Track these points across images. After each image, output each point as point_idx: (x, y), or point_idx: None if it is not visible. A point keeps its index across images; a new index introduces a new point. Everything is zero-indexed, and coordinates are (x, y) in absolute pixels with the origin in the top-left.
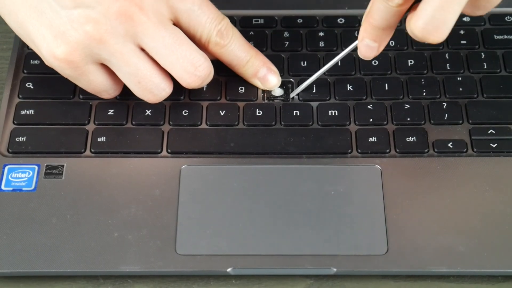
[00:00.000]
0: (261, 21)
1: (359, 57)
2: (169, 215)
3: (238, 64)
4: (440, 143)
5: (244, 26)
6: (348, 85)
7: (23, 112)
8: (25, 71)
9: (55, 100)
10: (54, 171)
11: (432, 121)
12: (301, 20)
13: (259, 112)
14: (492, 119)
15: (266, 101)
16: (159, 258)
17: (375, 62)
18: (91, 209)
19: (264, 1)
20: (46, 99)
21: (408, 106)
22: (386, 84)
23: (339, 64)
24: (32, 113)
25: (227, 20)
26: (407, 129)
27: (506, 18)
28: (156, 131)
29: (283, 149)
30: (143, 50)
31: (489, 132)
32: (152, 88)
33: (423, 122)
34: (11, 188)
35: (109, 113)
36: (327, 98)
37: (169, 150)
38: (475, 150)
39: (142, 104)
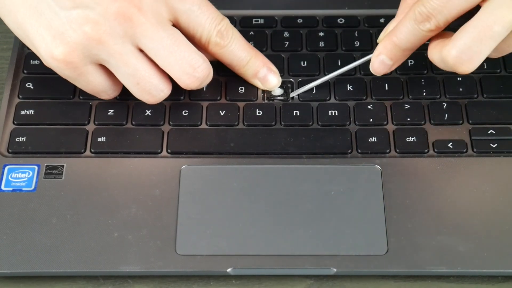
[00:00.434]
0: (261, 21)
1: (359, 57)
2: (169, 215)
3: (238, 65)
4: (440, 143)
5: (244, 26)
6: (348, 85)
7: (23, 112)
8: (25, 71)
9: (55, 100)
10: (54, 171)
11: (432, 121)
12: (301, 20)
13: (259, 112)
14: (492, 119)
15: (266, 101)
16: (159, 258)
17: None
18: (91, 209)
19: (264, 1)
20: (46, 99)
21: (408, 106)
22: (386, 84)
23: (339, 63)
24: (32, 113)
25: (227, 21)
26: (407, 129)
27: None
28: (156, 131)
29: (283, 149)
30: (142, 51)
31: (489, 132)
32: (150, 89)
33: (423, 122)
34: (11, 188)
35: (109, 113)
36: (327, 98)
37: (169, 150)
38: (475, 150)
39: (142, 104)
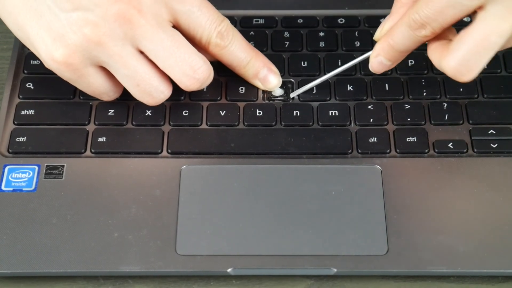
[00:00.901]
0: (261, 21)
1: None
2: (169, 215)
3: (238, 65)
4: (440, 144)
5: (244, 26)
6: (348, 85)
7: (23, 112)
8: (25, 71)
9: (55, 100)
10: (54, 171)
11: (432, 122)
12: (302, 20)
13: (259, 112)
14: (493, 120)
15: (267, 101)
16: (159, 258)
17: None
18: (91, 209)
19: (265, 1)
20: (46, 99)
21: (409, 106)
22: (387, 84)
23: (340, 63)
24: (32, 113)
25: (227, 21)
26: (407, 129)
27: None
28: (156, 131)
29: (283, 150)
30: (142, 53)
31: (489, 132)
32: (150, 91)
33: (423, 123)
34: (11, 189)
35: (109, 114)
36: (328, 98)
37: (169, 151)
38: (475, 150)
39: (142, 104)
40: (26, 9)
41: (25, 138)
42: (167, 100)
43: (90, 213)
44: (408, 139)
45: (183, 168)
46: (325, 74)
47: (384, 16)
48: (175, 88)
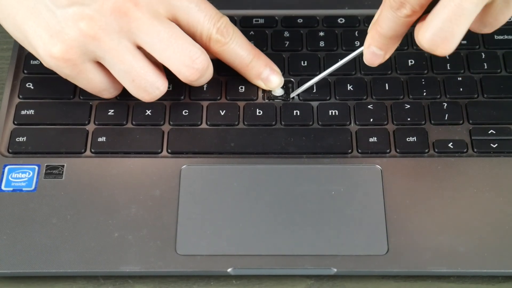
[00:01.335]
0: (261, 21)
1: (359, 57)
2: (169, 215)
3: (240, 63)
4: (440, 143)
5: (244, 26)
6: (348, 85)
7: (23, 112)
8: (25, 71)
9: (55, 100)
10: (54, 171)
11: (432, 121)
12: (302, 20)
13: (259, 112)
14: (493, 119)
15: (267, 100)
16: (159, 258)
17: None
18: (91, 209)
19: (265, 1)
20: (46, 99)
21: (409, 106)
22: (387, 84)
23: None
24: (32, 113)
25: (226, 18)
26: (407, 129)
27: None
28: (156, 131)
29: (283, 149)
30: (139, 48)
31: (489, 132)
32: (146, 87)
33: (423, 122)
34: (11, 189)
35: (109, 113)
36: (328, 98)
37: (169, 150)
38: (475, 150)
39: (142, 104)
40: (23, 9)
41: (25, 138)
42: (166, 100)
43: (90, 213)
44: (408, 139)
45: (183, 168)
46: (324, 71)
47: None
48: (175, 87)
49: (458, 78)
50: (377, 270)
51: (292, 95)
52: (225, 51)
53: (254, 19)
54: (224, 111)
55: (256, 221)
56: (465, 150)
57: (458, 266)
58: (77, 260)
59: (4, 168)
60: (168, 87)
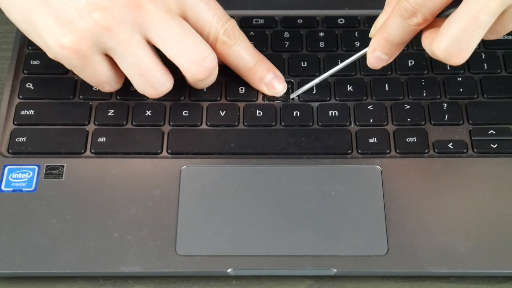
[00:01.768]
0: (261, 21)
1: (359, 58)
2: (169, 216)
3: (244, 67)
4: (440, 144)
5: (244, 26)
6: (348, 85)
7: (23, 112)
8: (25, 72)
9: (55, 100)
10: (54, 171)
11: (432, 122)
12: (301, 20)
13: (259, 113)
14: (493, 120)
15: (266, 101)
16: (159, 258)
17: None
18: (91, 209)
19: (264, 1)
20: (46, 99)
21: (408, 106)
22: (386, 85)
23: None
24: (32, 113)
25: (234, 21)
26: (407, 129)
27: None
28: (156, 131)
29: (283, 150)
30: (149, 43)
31: (489, 132)
32: (153, 82)
33: (423, 123)
34: (11, 189)
35: (109, 114)
36: (327, 98)
37: (169, 151)
38: (475, 150)
39: (142, 104)
40: None
41: (25, 138)
42: (167, 100)
43: (90, 213)
44: (408, 139)
45: (183, 168)
46: (325, 73)
47: None
48: (175, 87)
49: (458, 79)
50: (377, 270)
51: (292, 96)
52: (230, 53)
53: (254, 20)
54: (224, 111)
55: (256, 222)
56: (465, 151)
57: (458, 266)
58: (77, 261)
59: (4, 169)
60: None
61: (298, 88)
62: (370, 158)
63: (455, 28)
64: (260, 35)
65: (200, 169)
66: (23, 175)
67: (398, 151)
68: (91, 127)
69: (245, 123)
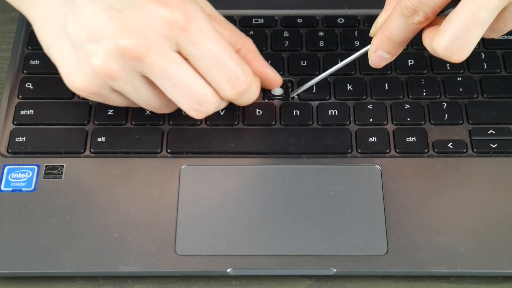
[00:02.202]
0: (261, 20)
1: (359, 57)
2: (169, 215)
3: None
4: (440, 143)
5: (244, 25)
6: (348, 84)
7: (22, 112)
8: (24, 71)
9: (54, 100)
10: (53, 171)
11: (432, 121)
12: (301, 20)
13: (258, 112)
14: (492, 120)
15: (266, 100)
16: (159, 258)
17: None
18: (91, 209)
19: (264, 1)
20: (46, 99)
21: (408, 106)
22: (386, 84)
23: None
24: (32, 113)
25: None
26: (407, 129)
27: None
28: (156, 131)
29: (283, 149)
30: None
31: (489, 132)
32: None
33: (423, 122)
34: (10, 189)
35: (108, 113)
36: (327, 97)
37: (169, 150)
38: (475, 150)
39: None
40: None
41: (24, 138)
42: None
43: (89, 213)
44: (408, 139)
45: (182, 168)
46: (324, 71)
47: None
48: None
49: (458, 78)
50: (377, 270)
51: (291, 95)
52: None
53: (253, 19)
54: (224, 111)
55: (255, 221)
56: (464, 150)
57: (458, 266)
58: (76, 260)
59: (3, 168)
60: None
61: (298, 87)
62: (369, 157)
63: (455, 26)
64: (260, 35)
65: (200, 168)
66: (22, 175)
67: (397, 150)
68: (90, 127)
69: (245, 122)
